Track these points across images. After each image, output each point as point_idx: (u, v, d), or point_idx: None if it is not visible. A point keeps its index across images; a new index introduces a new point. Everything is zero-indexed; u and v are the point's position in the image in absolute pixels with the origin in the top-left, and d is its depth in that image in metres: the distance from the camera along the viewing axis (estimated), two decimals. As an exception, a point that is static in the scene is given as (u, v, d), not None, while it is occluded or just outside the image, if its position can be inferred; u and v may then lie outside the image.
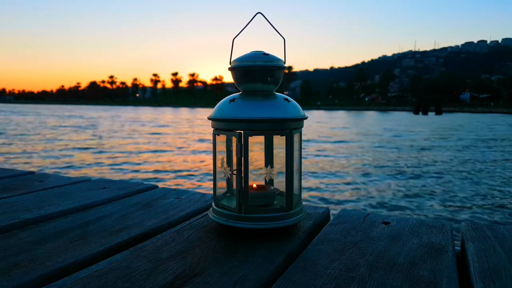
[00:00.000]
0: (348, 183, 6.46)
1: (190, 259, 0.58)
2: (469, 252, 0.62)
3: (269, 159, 0.77)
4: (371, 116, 40.38)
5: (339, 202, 5.20)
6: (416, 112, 47.01)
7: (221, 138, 0.73)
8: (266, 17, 0.71)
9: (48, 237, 0.68)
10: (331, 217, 0.81)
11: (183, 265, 0.56)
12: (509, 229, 0.73)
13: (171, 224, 0.76)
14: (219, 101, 0.72)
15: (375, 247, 0.64)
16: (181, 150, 10.69)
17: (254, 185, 0.75)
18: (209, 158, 8.66)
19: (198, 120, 27.83)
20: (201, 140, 13.41)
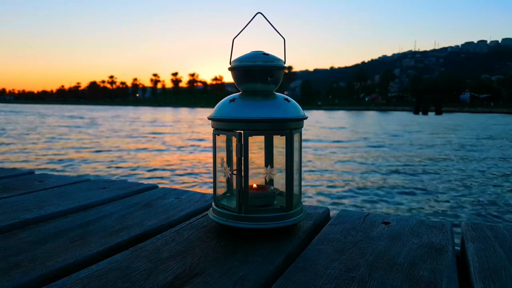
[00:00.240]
0: (332, 180, 6.58)
1: (190, 259, 0.58)
2: (469, 252, 0.62)
3: (269, 159, 0.77)
4: (371, 116, 40.38)
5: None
6: (416, 112, 47.02)
7: (221, 138, 0.73)
8: (266, 17, 0.71)
9: (48, 237, 0.68)
10: (331, 217, 0.81)
11: (183, 265, 0.56)
12: (509, 229, 0.73)
13: (171, 224, 0.76)
14: (219, 101, 0.72)
15: (375, 247, 0.64)
16: (181, 150, 10.69)
17: (254, 185, 0.75)
18: (209, 158, 8.66)
19: (198, 120, 27.84)
20: (201, 140, 13.41)
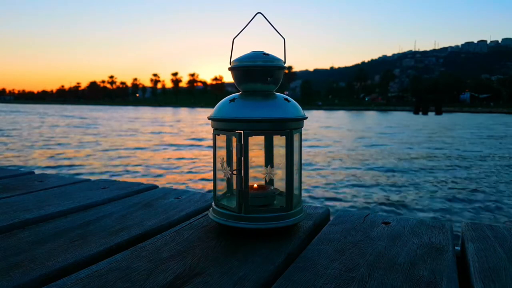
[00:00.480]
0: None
1: (190, 259, 0.58)
2: (469, 252, 0.62)
3: (269, 159, 0.77)
4: (370, 116, 40.40)
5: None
6: (416, 112, 47.03)
7: (221, 138, 0.73)
8: (266, 17, 0.71)
9: (48, 237, 0.68)
10: (331, 217, 0.81)
11: (183, 265, 0.56)
12: (509, 229, 0.73)
13: (171, 224, 0.76)
14: (219, 101, 0.72)
15: (375, 247, 0.64)
16: (181, 150, 10.69)
17: (255, 185, 0.75)
18: (208, 158, 8.66)
19: (198, 120, 27.85)
20: (201, 139, 13.41)
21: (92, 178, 1.21)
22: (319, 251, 0.62)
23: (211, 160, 0.74)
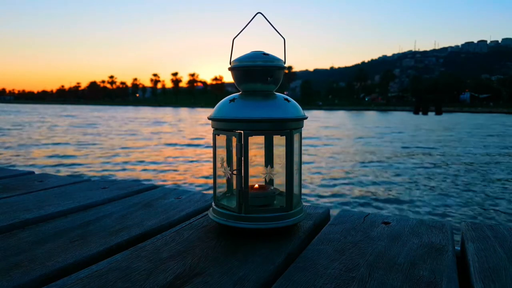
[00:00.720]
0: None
1: (190, 259, 0.58)
2: (469, 252, 0.62)
3: (269, 159, 0.77)
4: (370, 116, 40.40)
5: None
6: (416, 112, 47.02)
7: (221, 138, 0.73)
8: (266, 17, 0.71)
9: (48, 237, 0.68)
10: (331, 217, 0.81)
11: (183, 265, 0.56)
12: (509, 229, 0.73)
13: (171, 224, 0.76)
14: (219, 101, 0.72)
15: (375, 247, 0.64)
16: (181, 149, 10.69)
17: (255, 185, 0.75)
18: (208, 158, 8.66)
19: (198, 120, 27.85)
20: (200, 139, 13.41)
21: (92, 177, 1.21)
22: (319, 251, 0.62)
23: (211, 160, 0.74)
